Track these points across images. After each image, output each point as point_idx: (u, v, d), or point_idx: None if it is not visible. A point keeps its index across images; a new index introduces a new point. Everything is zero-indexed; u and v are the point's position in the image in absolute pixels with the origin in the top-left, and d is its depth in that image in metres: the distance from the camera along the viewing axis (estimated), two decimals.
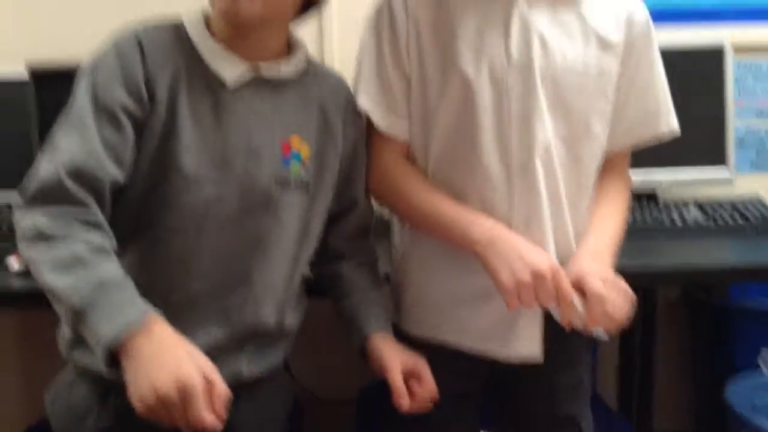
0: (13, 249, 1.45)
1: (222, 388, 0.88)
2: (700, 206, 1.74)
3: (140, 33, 1.03)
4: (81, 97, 0.99)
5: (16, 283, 1.40)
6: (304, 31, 1.87)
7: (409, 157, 1.23)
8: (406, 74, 1.18)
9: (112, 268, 0.93)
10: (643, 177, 1.74)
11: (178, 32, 1.05)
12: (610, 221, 1.21)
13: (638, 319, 1.97)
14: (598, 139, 1.19)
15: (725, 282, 1.85)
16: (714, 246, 1.57)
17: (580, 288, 1.08)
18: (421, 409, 1.10)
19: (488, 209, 1.15)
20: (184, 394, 0.85)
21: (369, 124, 1.22)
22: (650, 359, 1.99)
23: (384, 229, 1.70)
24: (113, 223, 0.99)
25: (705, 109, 1.78)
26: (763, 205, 1.75)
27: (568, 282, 1.07)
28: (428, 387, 1.11)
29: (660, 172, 1.79)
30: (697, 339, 2.05)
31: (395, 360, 1.10)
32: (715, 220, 1.64)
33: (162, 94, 1.00)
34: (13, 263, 1.43)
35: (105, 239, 0.95)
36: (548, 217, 1.15)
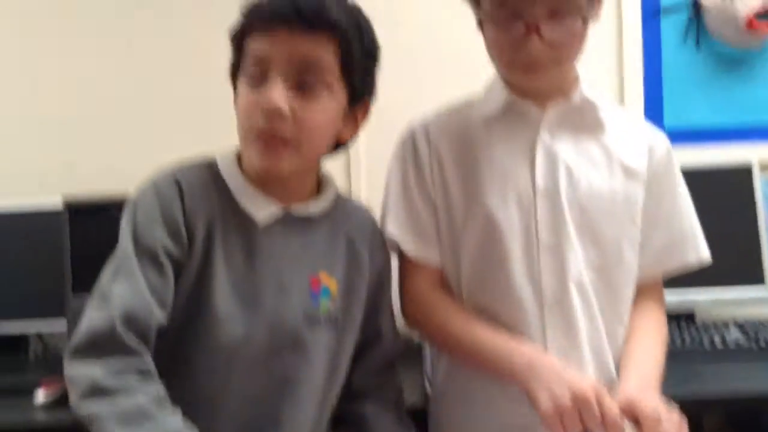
0: (40, 379, 1.44)
1: None
2: (741, 327, 1.69)
3: (178, 173, 1.04)
4: (124, 239, 1.00)
5: (41, 416, 1.37)
6: (332, 164, 1.95)
7: (443, 282, 1.21)
8: (432, 201, 1.19)
9: (177, 420, 0.93)
10: (680, 297, 1.70)
11: (212, 171, 1.07)
12: (651, 350, 1.17)
13: None
14: (631, 265, 1.18)
15: None
16: (759, 369, 1.51)
17: (630, 414, 1.02)
18: None
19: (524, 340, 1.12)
20: None
21: (401, 253, 1.22)
22: None
23: (414, 355, 1.67)
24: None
25: (738, 228, 1.76)
26: None
27: (614, 405, 1.01)
28: None
29: (697, 291, 1.75)
30: None
31: None
32: (757, 342, 1.59)
33: (199, 234, 1.02)
34: (40, 395, 1.41)
35: (161, 388, 0.95)
36: (587, 349, 1.12)
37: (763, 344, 1.58)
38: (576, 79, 1.18)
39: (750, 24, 1.81)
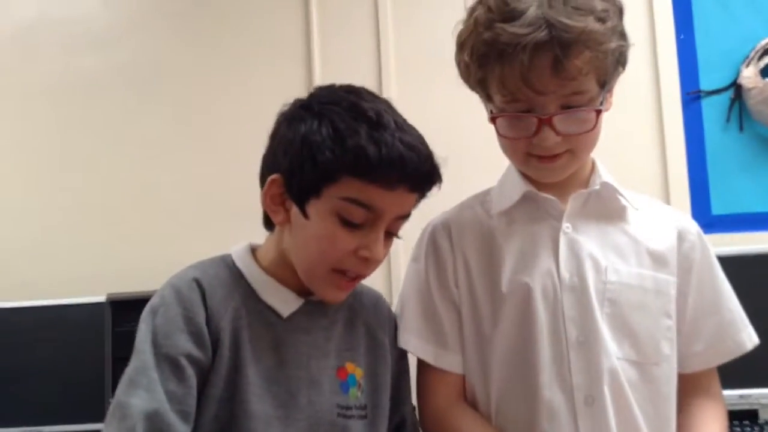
0: None
1: None
2: None
3: (197, 273, 1.02)
4: (143, 347, 0.95)
5: None
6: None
7: (468, 394, 1.16)
8: (456, 305, 1.14)
9: None
10: (741, 394, 1.59)
11: (229, 268, 1.05)
12: None
13: None
14: (669, 360, 1.10)
15: None
16: None
17: None
18: None
19: None
20: None
21: (419, 362, 1.16)
22: None
23: None
24: None
25: None
26: None
27: None
28: None
29: (760, 388, 1.63)
30: None
31: None
32: None
33: (225, 335, 0.98)
34: None
35: None
36: None
37: None
38: (593, 167, 1.16)
39: None
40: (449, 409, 1.12)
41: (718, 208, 1.82)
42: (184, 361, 0.94)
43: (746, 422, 1.61)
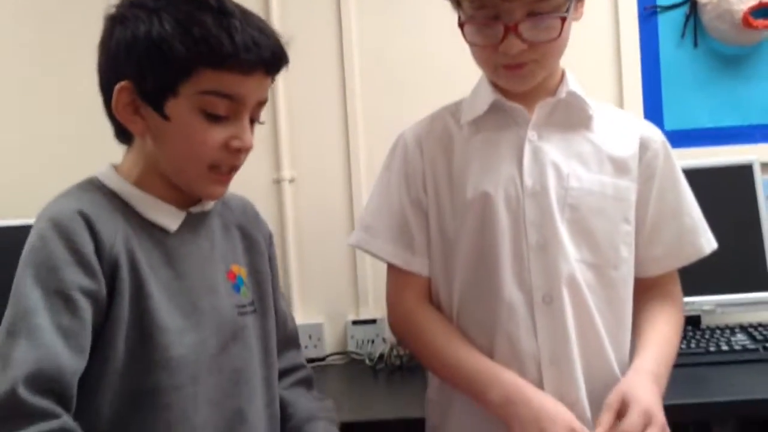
0: None
1: None
2: (747, 330, 1.66)
3: (75, 202, 0.97)
4: (27, 293, 0.91)
5: None
6: (332, 170, 1.93)
7: (432, 296, 1.20)
8: (424, 211, 1.18)
9: None
10: (685, 302, 1.67)
11: (102, 191, 1.02)
12: (664, 343, 1.15)
13: None
14: (627, 262, 1.16)
15: None
16: (766, 373, 1.48)
17: (623, 408, 1.02)
18: None
19: (515, 346, 1.11)
20: None
21: (389, 265, 1.21)
22: None
23: (419, 367, 1.66)
24: (102, 405, 0.94)
25: (741, 231, 1.74)
26: None
27: None
28: None
29: (703, 296, 1.72)
30: None
31: None
32: (764, 345, 1.56)
33: (122, 258, 0.97)
34: None
35: None
36: (576, 352, 1.10)
37: None
38: (562, 76, 1.17)
39: (746, 21, 1.79)
40: (415, 309, 1.18)
41: (671, 123, 1.85)
42: (76, 294, 0.91)
43: (689, 328, 1.70)
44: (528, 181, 1.12)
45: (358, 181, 1.92)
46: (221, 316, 1.05)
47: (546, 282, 1.10)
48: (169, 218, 1.04)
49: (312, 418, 1.15)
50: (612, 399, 1.04)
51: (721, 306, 1.74)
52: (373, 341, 1.88)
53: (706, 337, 1.64)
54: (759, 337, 1.61)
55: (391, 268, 1.21)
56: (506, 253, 1.11)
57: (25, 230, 0.97)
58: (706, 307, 1.72)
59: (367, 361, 1.79)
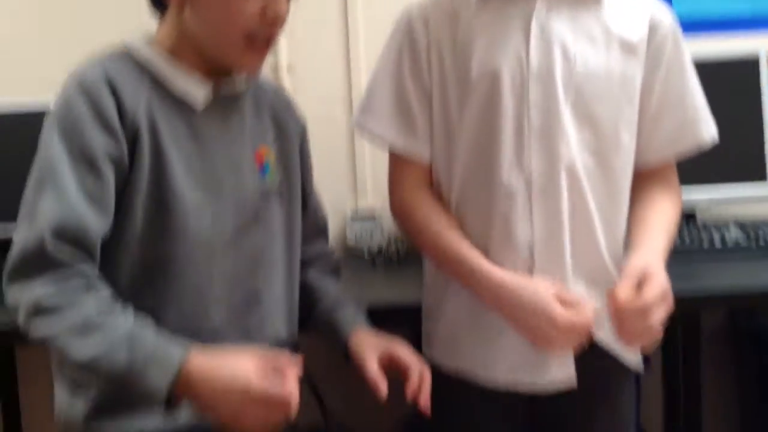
0: None
1: (288, 366, 0.91)
2: (741, 226, 1.68)
3: (100, 67, 0.99)
4: (54, 150, 0.95)
5: None
6: (331, 52, 1.89)
7: (433, 180, 1.20)
8: (428, 94, 1.16)
9: (129, 321, 0.93)
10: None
11: (131, 60, 1.03)
12: (670, 229, 1.16)
13: (681, 348, 1.90)
14: (628, 149, 1.15)
15: None
16: (757, 267, 1.51)
17: (641, 280, 1.03)
18: (425, 392, 1.05)
19: (510, 230, 1.12)
20: (259, 399, 0.89)
21: (391, 152, 1.21)
22: (695, 391, 1.91)
23: (417, 257, 1.68)
24: (120, 272, 0.98)
25: (742, 123, 1.72)
26: None
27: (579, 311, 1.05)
28: (406, 363, 1.06)
29: (698, 190, 1.72)
30: (746, 367, 1.96)
31: (369, 353, 1.07)
32: (756, 240, 1.58)
33: (143, 125, 0.98)
34: None
35: (106, 294, 0.94)
36: (568, 239, 1.11)
37: (762, 243, 1.57)
38: None
39: None
40: (414, 195, 1.19)
41: (679, 9, 1.77)
42: (100, 158, 0.94)
43: (684, 222, 1.70)
44: (534, 61, 1.10)
45: (358, 66, 1.88)
46: (243, 196, 1.06)
47: (546, 167, 1.10)
48: (196, 90, 1.04)
49: (340, 302, 1.18)
50: (632, 269, 1.04)
51: (716, 201, 1.75)
52: (372, 234, 1.90)
53: (700, 231, 1.65)
54: (752, 233, 1.62)
55: (393, 152, 1.21)
56: (508, 136, 1.10)
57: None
58: (701, 202, 1.74)
59: (365, 255, 1.81)
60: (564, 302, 1.06)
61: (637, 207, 1.18)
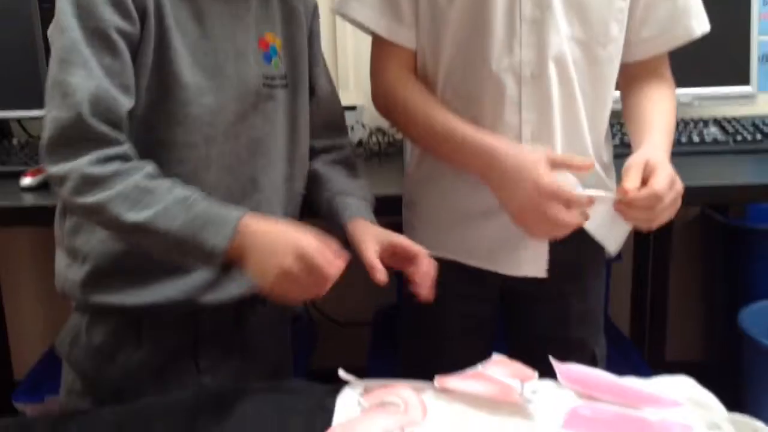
0: (26, 170, 1.46)
1: (317, 261, 0.90)
2: (720, 124, 1.70)
3: None
4: (69, 26, 0.93)
5: (28, 199, 1.41)
6: None
7: (418, 68, 1.19)
8: None
9: (178, 187, 0.93)
10: None
11: None
12: (670, 126, 1.16)
13: (652, 240, 1.95)
14: (616, 42, 1.15)
15: (742, 201, 1.81)
16: (732, 163, 1.54)
17: (647, 171, 1.03)
18: (427, 289, 1.05)
19: (498, 118, 1.12)
20: (308, 266, 0.89)
21: (374, 37, 1.19)
22: (664, 283, 1.98)
23: (398, 151, 1.69)
24: None
25: (729, 23, 1.71)
26: None
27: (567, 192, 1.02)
28: (416, 251, 1.06)
29: (681, 88, 1.73)
30: (712, 261, 2.03)
31: (368, 240, 1.07)
32: (734, 138, 1.61)
33: (150, 4, 0.97)
34: (26, 180, 1.44)
35: (150, 165, 0.95)
36: (559, 128, 1.12)
37: (740, 139, 1.60)
38: None
39: None
40: (398, 81, 1.17)
41: None
42: (114, 35, 0.93)
43: None
44: None
45: None
46: (245, 83, 1.04)
47: (535, 56, 1.09)
48: None
49: (344, 192, 1.17)
50: (635, 160, 1.04)
51: (698, 98, 1.76)
52: (352, 127, 1.89)
53: (680, 129, 1.68)
54: (731, 130, 1.65)
55: (376, 39, 1.19)
56: (499, 25, 1.09)
57: None
58: (683, 100, 1.74)
59: None
60: (555, 164, 1.04)
61: (634, 103, 1.19)
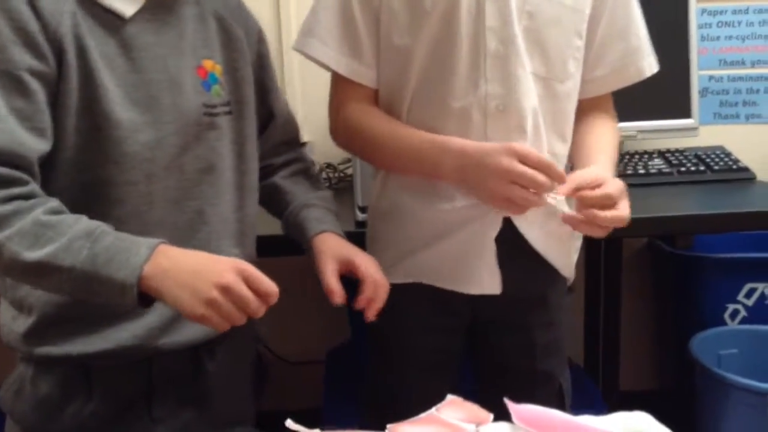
0: None
1: (258, 275, 0.87)
2: (664, 156, 1.73)
3: None
4: None
5: None
6: None
7: (381, 101, 1.18)
8: (375, 17, 1.13)
9: (83, 220, 0.88)
10: None
11: None
12: (608, 155, 1.16)
13: (603, 272, 1.97)
14: (574, 78, 1.17)
15: (689, 232, 1.84)
16: (677, 194, 1.57)
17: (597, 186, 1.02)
18: (375, 306, 1.05)
19: None
20: (227, 293, 0.85)
21: (334, 75, 1.18)
22: (616, 314, 2.00)
23: (348, 186, 1.68)
24: (58, 197, 0.92)
25: (669, 58, 1.74)
26: (726, 154, 1.74)
27: (534, 151, 1.02)
28: (365, 275, 1.05)
29: (625, 122, 1.76)
30: (663, 290, 2.06)
31: (326, 259, 1.06)
32: (678, 170, 1.64)
33: (68, 41, 0.92)
34: None
35: (57, 203, 0.90)
36: None
37: (683, 170, 1.63)
38: None
39: None
40: (360, 111, 1.16)
41: None
42: (26, 76, 0.89)
43: None
44: None
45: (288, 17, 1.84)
46: (184, 114, 1.00)
47: (502, 90, 1.10)
48: (125, 1, 0.97)
49: (307, 204, 1.16)
50: (583, 173, 1.04)
51: (642, 132, 1.80)
52: None
53: (626, 161, 1.71)
54: (675, 162, 1.68)
55: (337, 77, 1.18)
56: (464, 61, 1.09)
57: None
58: (627, 133, 1.78)
59: None
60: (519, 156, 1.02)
61: (579, 138, 1.20)
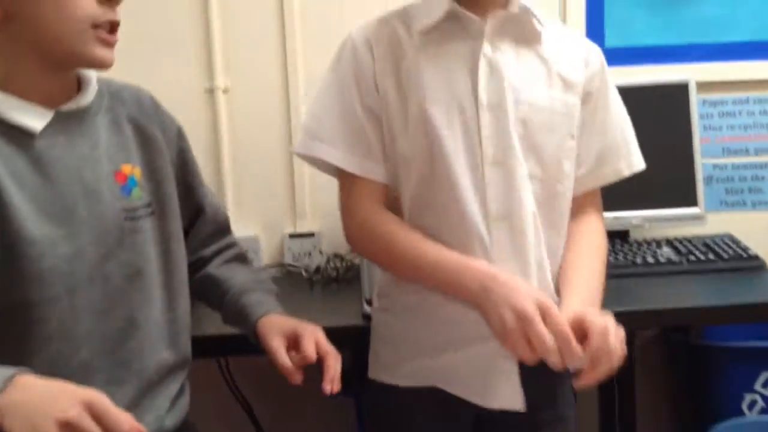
0: None
1: (107, 409, 0.79)
2: (672, 244, 1.73)
3: None
4: None
5: None
6: (270, 75, 1.87)
7: (386, 199, 1.19)
8: (377, 116, 1.15)
9: None
10: (614, 216, 1.72)
11: None
12: (593, 266, 1.18)
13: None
14: (569, 178, 1.18)
15: (702, 323, 1.82)
16: (688, 284, 1.55)
17: (578, 329, 1.02)
18: (336, 378, 1.04)
19: (467, 253, 1.11)
20: (70, 430, 0.76)
21: (341, 172, 1.18)
22: (631, 405, 1.95)
23: (354, 277, 1.67)
24: None
25: (673, 148, 1.78)
26: (734, 241, 1.73)
27: (562, 317, 1.01)
28: (308, 350, 1.04)
29: (632, 210, 1.77)
30: (678, 380, 2.01)
31: (273, 338, 1.06)
32: (687, 259, 1.63)
33: None
34: None
35: None
36: (533, 264, 1.12)
37: (693, 259, 1.62)
38: None
39: None
40: (373, 215, 1.16)
41: (612, 40, 1.86)
42: None
43: (617, 241, 1.76)
44: (483, 95, 1.10)
45: (296, 90, 1.86)
46: (103, 222, 1.00)
47: (503, 197, 1.11)
48: (32, 117, 0.96)
49: (247, 289, 1.15)
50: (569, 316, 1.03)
51: (649, 220, 1.79)
52: (310, 254, 1.88)
53: (633, 250, 1.70)
54: (683, 250, 1.67)
55: (345, 176, 1.18)
56: (462, 169, 1.10)
57: None
58: (634, 222, 1.78)
59: (303, 273, 1.79)
60: (543, 313, 1.01)
61: (567, 254, 1.19)
